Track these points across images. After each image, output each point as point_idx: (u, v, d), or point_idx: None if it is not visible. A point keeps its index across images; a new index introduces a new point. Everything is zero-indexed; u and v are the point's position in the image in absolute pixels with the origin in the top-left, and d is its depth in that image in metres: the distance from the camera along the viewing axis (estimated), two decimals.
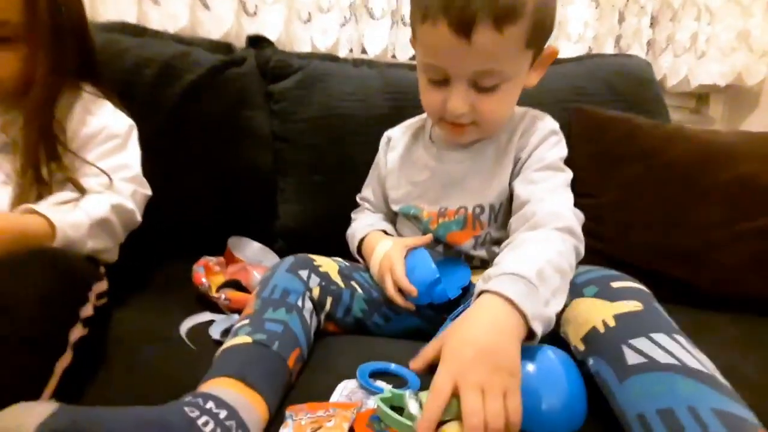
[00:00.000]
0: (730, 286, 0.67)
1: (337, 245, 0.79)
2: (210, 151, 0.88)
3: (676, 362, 0.36)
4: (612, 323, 0.40)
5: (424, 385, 0.43)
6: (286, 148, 0.91)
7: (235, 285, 0.72)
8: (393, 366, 0.46)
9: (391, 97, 0.90)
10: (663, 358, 0.37)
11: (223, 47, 0.98)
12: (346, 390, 0.42)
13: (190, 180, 0.87)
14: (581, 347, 0.42)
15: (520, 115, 0.62)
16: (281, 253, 0.85)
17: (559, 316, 0.43)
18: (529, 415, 0.35)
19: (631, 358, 0.38)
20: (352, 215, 0.78)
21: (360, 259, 0.67)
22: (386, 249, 0.58)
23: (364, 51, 1.17)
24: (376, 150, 0.82)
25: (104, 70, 0.77)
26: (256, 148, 0.91)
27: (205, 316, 0.62)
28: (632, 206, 0.75)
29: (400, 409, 0.37)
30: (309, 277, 0.54)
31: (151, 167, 0.70)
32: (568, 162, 0.61)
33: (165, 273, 0.76)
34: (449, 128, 0.58)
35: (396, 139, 0.71)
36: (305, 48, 1.12)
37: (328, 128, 0.89)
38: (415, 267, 0.55)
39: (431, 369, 0.38)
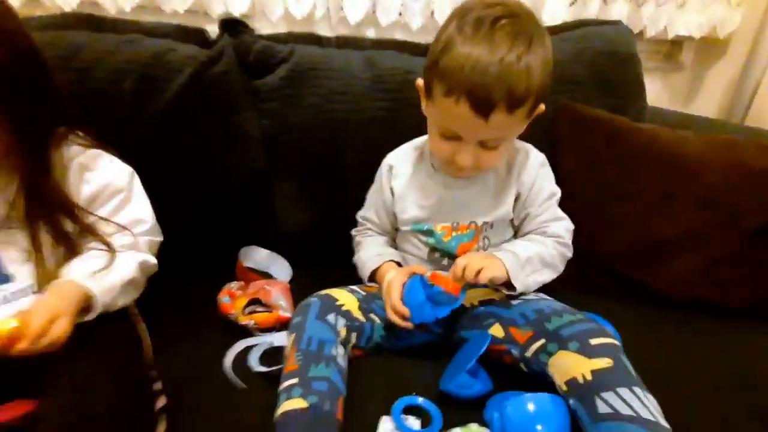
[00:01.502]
0: (679, 290, 0.80)
1: (339, 249, 0.86)
2: (201, 161, 0.87)
3: (633, 414, 0.49)
4: (589, 377, 0.52)
5: (447, 420, 0.55)
6: (278, 151, 0.90)
7: (257, 302, 0.79)
8: (420, 400, 0.57)
9: (383, 96, 0.89)
10: (624, 410, 0.49)
11: (195, 35, 0.90)
12: (384, 431, 0.53)
13: (186, 193, 0.87)
14: (564, 388, 0.55)
15: (514, 148, 0.71)
16: (288, 258, 0.91)
17: (547, 360, 0.57)
18: None
19: (601, 408, 0.50)
20: (354, 235, 0.83)
21: (373, 284, 0.75)
22: (390, 278, 0.68)
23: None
24: (371, 152, 0.85)
25: (76, 89, 0.72)
26: (248, 152, 0.90)
27: (240, 345, 0.70)
28: (605, 209, 0.84)
29: None
30: (336, 320, 0.62)
31: (144, 183, 0.69)
32: (555, 159, 0.75)
33: (181, 294, 0.80)
34: (453, 170, 0.67)
35: (398, 166, 0.76)
36: (278, 14, 1.05)
37: (320, 131, 0.88)
38: (408, 292, 0.65)
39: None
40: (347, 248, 0.85)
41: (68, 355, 0.49)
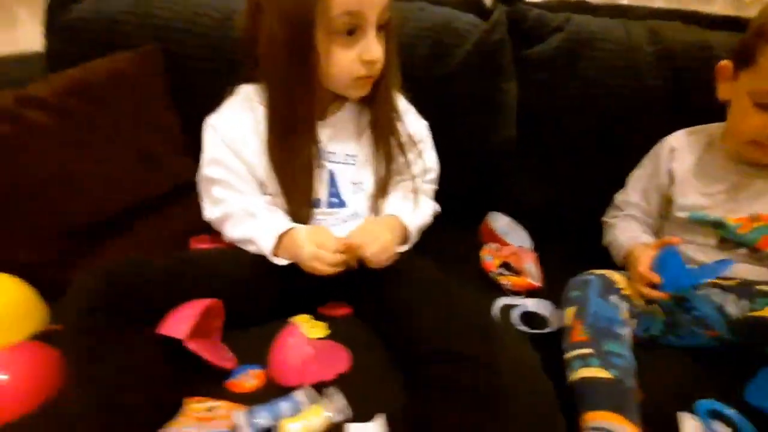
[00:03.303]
0: None
1: (580, 229, 0.84)
2: (464, 124, 0.91)
3: None
4: None
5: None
6: (536, 123, 0.90)
7: (505, 265, 0.83)
8: (730, 411, 0.53)
9: (669, 74, 0.81)
10: None
11: (473, 3, 0.93)
12: (691, 428, 0.51)
13: (448, 152, 0.92)
14: None
15: None
16: (530, 230, 0.92)
17: None
18: None
19: None
20: (607, 219, 0.80)
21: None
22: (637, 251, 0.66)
23: None
24: (645, 134, 0.79)
25: None
26: (503, 120, 0.91)
27: (501, 301, 0.74)
28: None
29: None
30: (619, 303, 0.61)
31: None
32: None
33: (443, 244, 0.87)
34: (756, 149, 0.63)
35: (681, 149, 0.72)
36: None
37: (591, 106, 0.85)
38: (662, 258, 0.61)
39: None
40: (590, 229, 0.83)
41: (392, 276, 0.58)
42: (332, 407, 0.48)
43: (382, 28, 0.61)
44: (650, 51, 0.84)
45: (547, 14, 0.89)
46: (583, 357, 0.56)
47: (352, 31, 0.58)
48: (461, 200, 0.95)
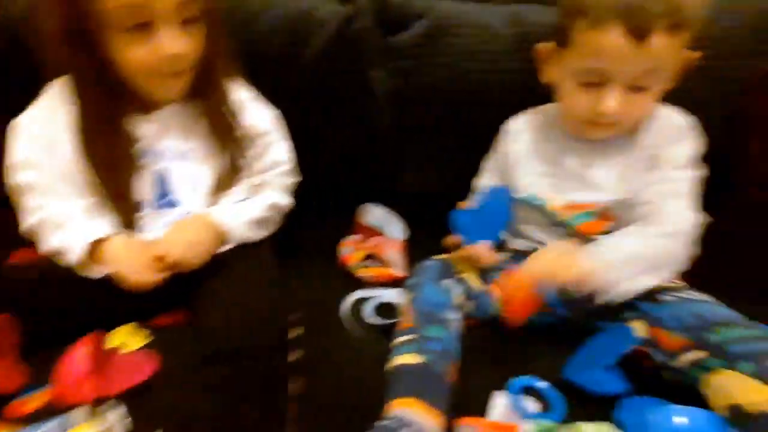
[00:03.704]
0: None
1: None
2: (332, 116, 0.89)
3: None
4: (765, 408, 0.42)
5: (570, 411, 0.50)
6: (406, 111, 0.89)
7: (371, 257, 0.81)
8: (541, 384, 0.53)
9: (527, 56, 0.81)
10: None
11: None
12: (500, 407, 0.51)
13: (317, 146, 0.91)
14: (725, 413, 0.45)
15: (660, 113, 0.64)
16: (405, 216, 0.91)
17: (700, 376, 0.49)
18: None
19: None
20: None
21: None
22: None
23: None
24: (503, 117, 0.79)
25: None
26: (374, 110, 0.90)
27: (356, 295, 0.72)
28: None
29: None
30: (452, 286, 0.61)
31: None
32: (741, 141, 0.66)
33: (307, 241, 0.85)
34: (591, 127, 0.62)
35: (519, 131, 0.72)
36: None
37: (453, 92, 0.84)
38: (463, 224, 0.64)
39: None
40: None
41: (214, 274, 0.55)
42: (105, 423, 0.44)
43: (192, 20, 0.58)
44: (509, 34, 0.84)
45: (410, 1, 0.88)
46: (402, 344, 0.55)
47: (145, 26, 0.54)
48: (338, 191, 0.94)
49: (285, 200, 0.72)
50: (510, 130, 0.73)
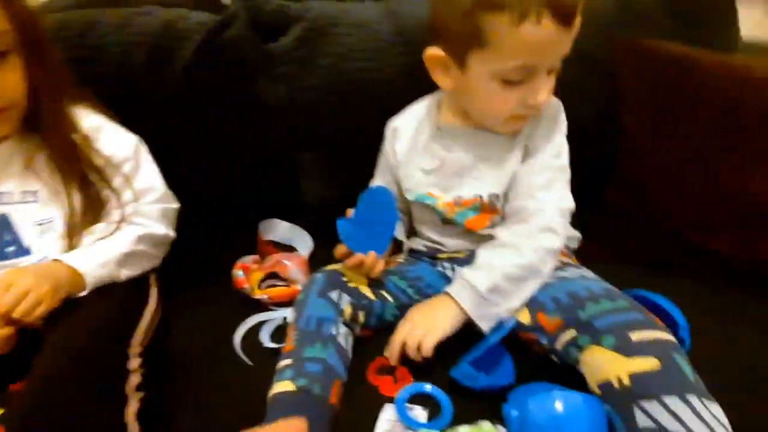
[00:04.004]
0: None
1: None
2: (221, 131, 0.85)
3: (682, 430, 0.38)
4: (627, 382, 0.42)
5: (457, 413, 0.48)
6: (297, 119, 0.85)
7: (275, 276, 0.77)
8: (428, 388, 0.51)
9: (402, 50, 0.80)
10: (670, 424, 0.39)
11: (210, 2, 0.87)
12: (385, 422, 0.48)
13: (206, 165, 0.86)
14: (597, 392, 0.45)
15: None
16: (310, 230, 0.88)
17: (577, 356, 0.48)
18: None
19: (641, 421, 0.40)
20: None
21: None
22: None
23: None
24: (391, 115, 0.77)
25: (87, 65, 0.72)
26: (266, 121, 0.86)
27: (253, 320, 0.68)
28: (679, 169, 0.69)
29: None
30: (340, 297, 0.57)
31: (161, 158, 0.69)
32: (614, 112, 0.68)
33: (204, 267, 0.80)
34: (512, 122, 0.59)
35: (402, 128, 0.69)
36: None
37: (337, 94, 0.82)
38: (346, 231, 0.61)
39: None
40: None
41: (54, 323, 0.49)
42: None
43: (2, 54, 0.52)
44: (387, 30, 0.82)
45: (286, 5, 0.85)
46: (281, 371, 0.51)
47: None
48: (237, 210, 0.89)
49: (161, 230, 0.66)
50: (392, 129, 0.71)
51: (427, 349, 0.51)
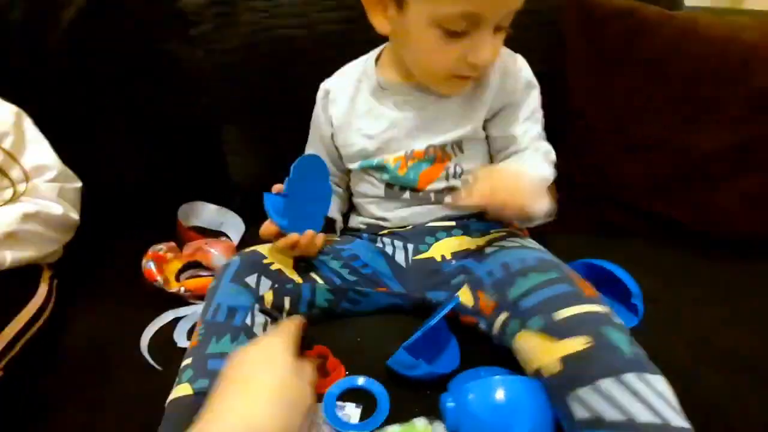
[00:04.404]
0: (721, 226, 0.61)
1: None
2: (130, 103, 0.73)
3: (623, 418, 0.33)
4: (558, 368, 0.37)
5: (394, 408, 0.42)
6: (219, 87, 0.75)
7: (196, 265, 0.67)
8: (361, 381, 0.44)
9: (335, 3, 0.71)
10: (609, 412, 0.34)
11: None
12: (312, 427, 0.40)
13: (116, 141, 0.75)
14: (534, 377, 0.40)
15: None
16: (240, 212, 0.78)
17: (511, 342, 0.43)
18: None
19: (579, 412, 0.35)
20: None
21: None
22: None
23: None
24: (325, 78, 0.69)
25: None
26: (183, 89, 0.75)
27: (166, 317, 0.58)
28: (626, 128, 0.65)
29: None
30: (258, 282, 0.49)
31: (63, 135, 0.61)
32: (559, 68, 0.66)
33: (114, 259, 0.70)
34: (455, 83, 0.53)
35: (336, 90, 0.61)
36: None
37: (262, 56, 0.72)
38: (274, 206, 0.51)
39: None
40: None
41: None
42: None
43: None
44: None
45: None
46: (181, 372, 0.43)
47: None
48: (156, 193, 0.78)
49: (58, 209, 0.58)
50: (324, 92, 0.63)
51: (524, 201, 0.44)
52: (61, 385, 0.50)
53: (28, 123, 0.58)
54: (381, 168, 0.58)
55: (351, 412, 0.42)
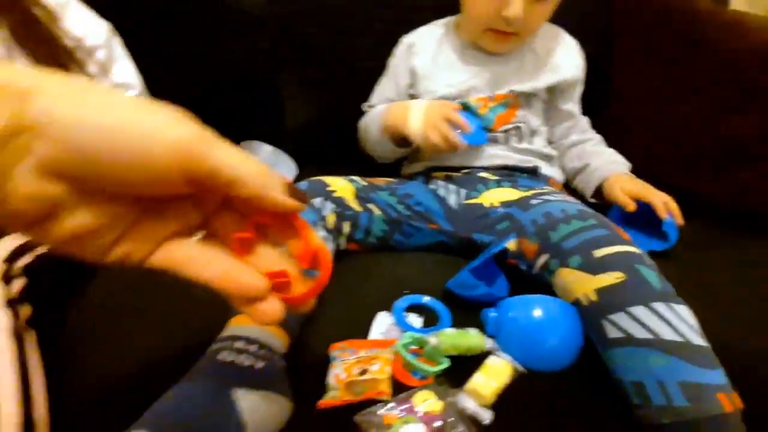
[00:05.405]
0: (752, 202, 0.67)
1: (349, 144, 0.77)
2: (200, 45, 0.77)
3: (651, 336, 0.39)
4: (594, 297, 0.42)
5: (456, 322, 0.48)
6: (281, 37, 0.79)
7: None
8: (426, 299, 0.49)
9: None
10: (639, 332, 0.39)
11: None
12: (382, 326, 0.46)
13: (181, 80, 0.78)
14: None
15: (547, 27, 0.69)
16: (294, 155, 0.83)
17: (550, 280, 0.49)
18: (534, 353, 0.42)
19: (611, 332, 0.41)
20: (360, 124, 0.75)
21: (380, 138, 0.68)
22: (426, 103, 0.62)
23: None
24: (381, 38, 0.75)
25: None
26: (247, 34, 0.79)
27: None
28: (667, 111, 0.70)
29: None
30: (323, 205, 0.53)
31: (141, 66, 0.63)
32: (602, 50, 0.75)
33: None
34: (494, 37, 0.64)
35: (419, 44, 0.70)
36: None
37: (329, 8, 0.76)
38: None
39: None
40: (351, 147, 0.77)
41: None
42: None
43: None
44: None
45: None
46: None
47: None
48: (217, 130, 0.82)
49: None
50: (409, 44, 0.71)
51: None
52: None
53: (117, 40, 0.61)
54: (465, 106, 0.64)
55: (414, 320, 0.48)
